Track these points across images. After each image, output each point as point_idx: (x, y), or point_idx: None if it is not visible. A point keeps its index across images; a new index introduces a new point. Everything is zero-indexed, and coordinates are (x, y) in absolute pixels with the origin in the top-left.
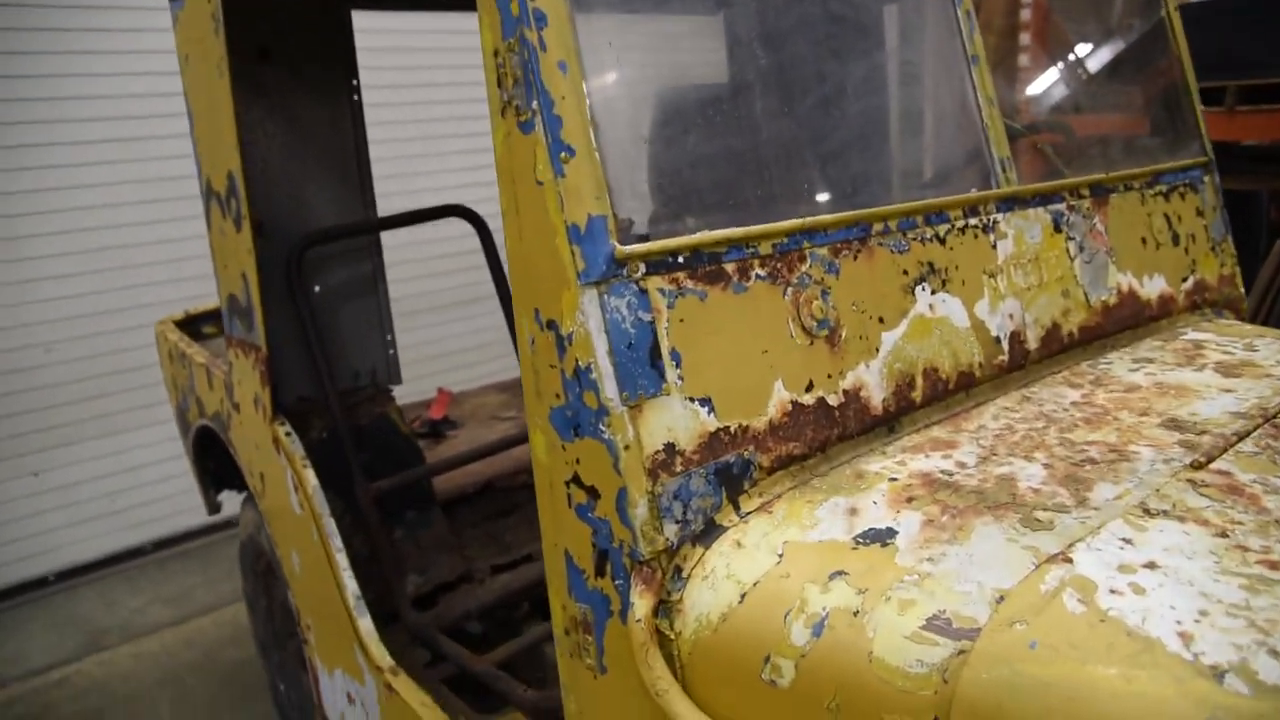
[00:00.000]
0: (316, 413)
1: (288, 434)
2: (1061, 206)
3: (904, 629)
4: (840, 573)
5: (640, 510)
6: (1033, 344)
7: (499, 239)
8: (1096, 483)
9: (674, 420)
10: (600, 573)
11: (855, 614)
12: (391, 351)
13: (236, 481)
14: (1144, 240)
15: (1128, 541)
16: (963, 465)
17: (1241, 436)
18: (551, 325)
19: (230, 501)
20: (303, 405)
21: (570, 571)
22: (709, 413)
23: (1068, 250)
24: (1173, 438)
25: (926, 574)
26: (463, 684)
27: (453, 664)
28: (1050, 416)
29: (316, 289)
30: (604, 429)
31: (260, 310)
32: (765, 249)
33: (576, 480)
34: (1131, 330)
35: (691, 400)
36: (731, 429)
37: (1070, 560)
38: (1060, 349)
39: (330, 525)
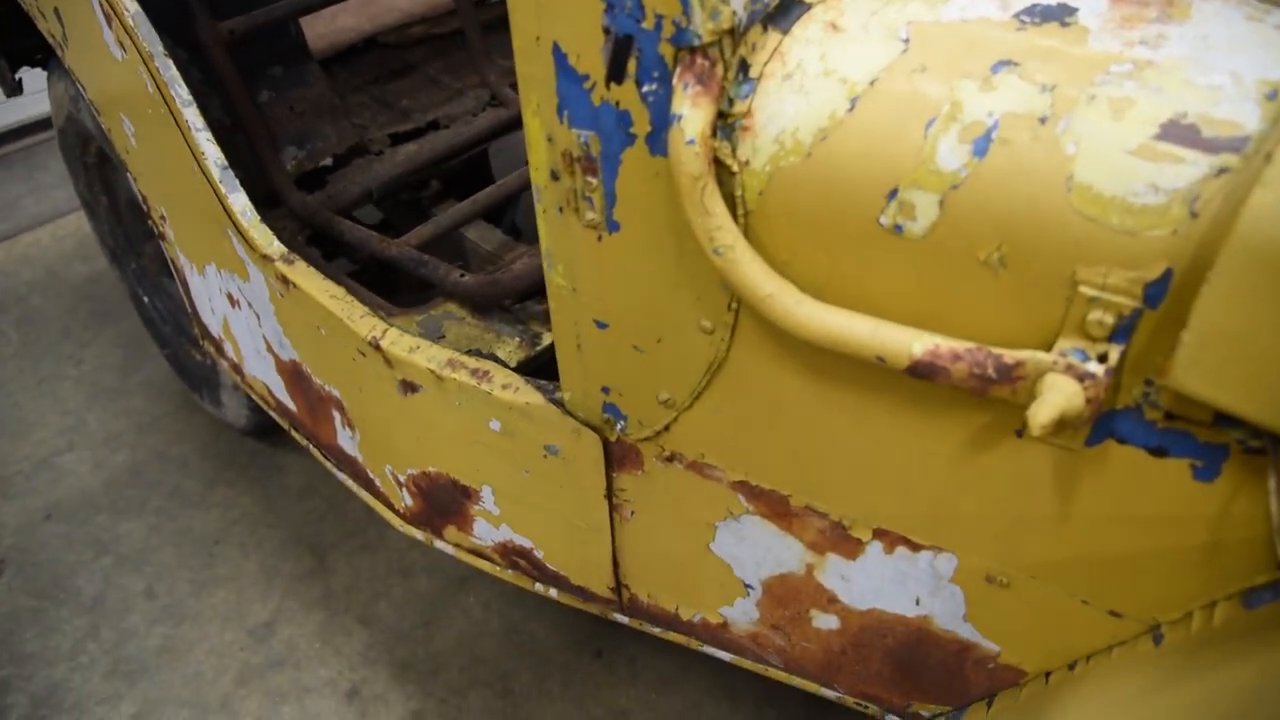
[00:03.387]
0: None
1: None
2: None
3: (1125, 141)
4: (1008, 63)
5: None
6: None
7: None
8: None
9: None
10: (617, 75)
11: (1042, 121)
12: None
13: (36, 50)
14: None
15: None
16: None
17: None
18: None
19: (36, 85)
20: None
21: (563, 78)
22: None
23: None
24: None
25: (1145, 62)
26: (371, 282)
27: (358, 253)
28: None
29: None
30: None
31: None
32: None
33: None
34: None
35: None
36: None
37: None
38: None
39: (169, 69)
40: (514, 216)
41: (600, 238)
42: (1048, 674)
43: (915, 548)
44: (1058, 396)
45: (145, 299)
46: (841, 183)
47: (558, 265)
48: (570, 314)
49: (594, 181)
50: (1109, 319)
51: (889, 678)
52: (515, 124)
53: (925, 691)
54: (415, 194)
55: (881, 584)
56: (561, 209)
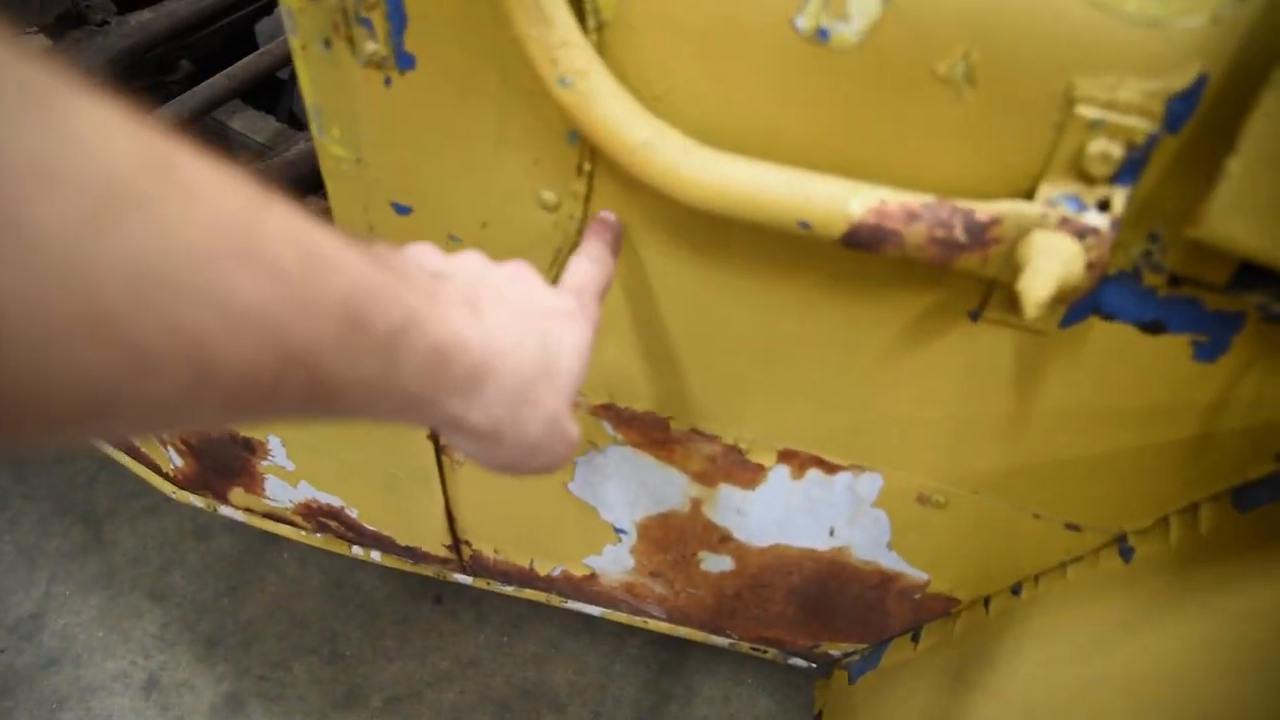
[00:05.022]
0: None
1: None
2: None
3: None
4: None
5: None
6: None
7: None
8: None
9: None
10: None
11: None
12: None
13: None
14: None
15: None
16: None
17: None
18: None
19: None
20: None
21: None
22: None
23: None
24: None
25: None
26: None
27: None
28: None
29: None
30: None
31: None
32: None
33: None
34: None
35: None
36: None
37: None
38: None
39: None
40: (291, 104)
41: (388, 80)
42: (986, 600)
43: (831, 469)
44: (1053, 262)
45: None
46: None
47: (330, 128)
48: (356, 197)
49: None
50: (1116, 151)
51: (793, 619)
52: None
53: (837, 630)
54: (159, 78)
55: (787, 515)
56: (328, 41)
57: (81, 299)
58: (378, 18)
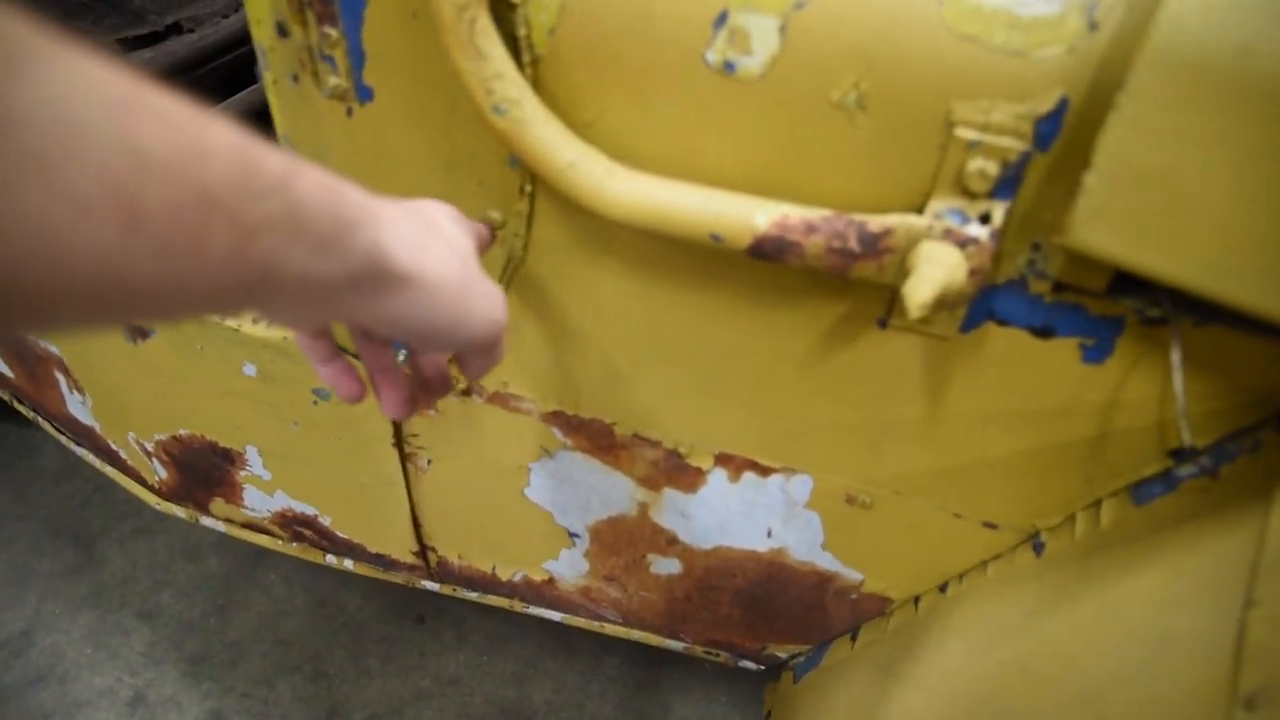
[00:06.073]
0: None
1: None
2: None
3: None
4: None
5: None
6: None
7: None
8: None
9: None
10: None
11: None
12: None
13: None
14: None
15: None
16: None
17: None
18: None
19: None
20: None
21: None
22: None
23: None
24: None
25: None
26: None
27: None
28: None
29: None
30: None
31: None
32: None
33: None
34: None
35: None
36: None
37: None
38: None
39: None
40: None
41: (350, 111)
42: (916, 599)
43: (764, 472)
44: (936, 270)
45: None
46: (656, 9)
47: (300, 153)
48: None
49: (334, 33)
50: (992, 168)
51: (740, 621)
52: None
53: (782, 632)
54: None
55: (727, 518)
56: (296, 76)
57: (17, 144)
58: (339, 54)
